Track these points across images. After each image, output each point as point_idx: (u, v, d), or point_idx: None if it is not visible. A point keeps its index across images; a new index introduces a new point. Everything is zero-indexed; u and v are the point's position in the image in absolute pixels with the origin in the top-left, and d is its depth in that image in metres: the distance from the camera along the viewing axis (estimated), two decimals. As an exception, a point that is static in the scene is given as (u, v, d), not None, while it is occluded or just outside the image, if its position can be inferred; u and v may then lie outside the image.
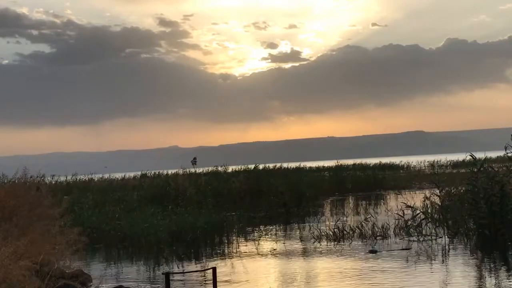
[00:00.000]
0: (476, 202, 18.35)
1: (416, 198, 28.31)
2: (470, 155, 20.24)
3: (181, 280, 14.21)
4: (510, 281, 12.64)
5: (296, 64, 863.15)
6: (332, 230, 20.21)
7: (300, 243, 20.10)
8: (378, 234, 19.65)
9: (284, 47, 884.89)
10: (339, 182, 44.58)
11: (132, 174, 55.95)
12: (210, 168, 47.62)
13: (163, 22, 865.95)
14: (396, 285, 12.63)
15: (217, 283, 11.92)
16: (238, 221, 23.45)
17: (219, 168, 45.47)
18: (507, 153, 19.22)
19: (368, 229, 20.05)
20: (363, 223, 20.46)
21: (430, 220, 20.14)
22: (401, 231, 19.86)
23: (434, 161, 69.76)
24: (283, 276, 14.52)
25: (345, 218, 24.59)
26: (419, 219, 20.10)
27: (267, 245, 19.93)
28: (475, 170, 19.12)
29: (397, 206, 23.30)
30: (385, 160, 77.70)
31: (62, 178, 46.37)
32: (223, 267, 15.66)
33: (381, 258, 16.02)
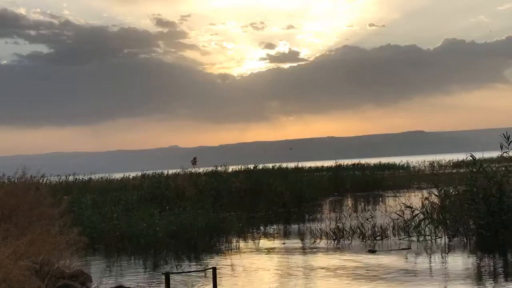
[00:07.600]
0: (475, 202, 18.37)
1: (416, 198, 28.34)
2: (470, 155, 20.24)
3: (181, 280, 14.23)
4: (510, 281, 12.67)
5: (295, 64, 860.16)
6: (332, 230, 20.25)
7: (299, 242, 20.14)
8: (377, 234, 19.67)
9: (282, 48, 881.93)
10: (338, 182, 44.64)
11: (132, 174, 55.90)
12: (210, 168, 47.63)
13: (160, 22, 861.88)
14: (395, 285, 12.65)
15: (217, 283, 11.95)
16: (238, 221, 23.46)
17: (219, 168, 45.48)
18: (503, 152, 19.23)
19: (368, 229, 20.07)
20: (362, 223, 20.49)
21: (429, 220, 20.16)
22: (401, 231, 19.88)
23: (434, 161, 69.78)
24: (283, 276, 14.54)
25: (344, 218, 24.59)
26: (418, 219, 20.12)
27: (266, 244, 19.96)
28: (474, 170, 19.14)
29: (396, 206, 23.32)
30: (385, 160, 77.72)
31: (63, 178, 46.40)
32: (223, 267, 15.69)
33: (380, 258, 16.05)
